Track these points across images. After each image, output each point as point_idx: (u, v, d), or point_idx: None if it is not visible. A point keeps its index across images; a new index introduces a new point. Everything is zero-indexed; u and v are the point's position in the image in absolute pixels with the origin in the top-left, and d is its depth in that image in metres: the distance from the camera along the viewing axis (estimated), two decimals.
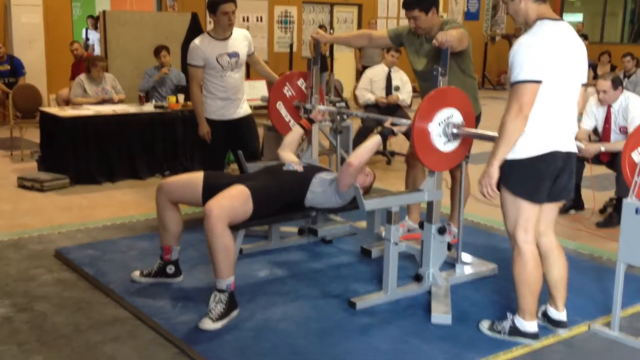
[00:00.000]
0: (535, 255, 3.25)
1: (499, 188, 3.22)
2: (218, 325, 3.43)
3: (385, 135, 3.91)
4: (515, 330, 3.35)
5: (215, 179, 3.90)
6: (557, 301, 3.47)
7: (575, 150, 3.25)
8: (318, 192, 3.92)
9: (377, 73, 7.91)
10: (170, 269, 4.00)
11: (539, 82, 3.01)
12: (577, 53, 3.17)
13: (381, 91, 7.80)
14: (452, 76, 3.94)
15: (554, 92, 3.08)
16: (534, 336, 3.34)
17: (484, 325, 3.45)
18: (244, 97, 5.19)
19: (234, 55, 4.98)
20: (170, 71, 7.98)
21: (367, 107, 7.79)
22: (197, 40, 4.98)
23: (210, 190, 3.71)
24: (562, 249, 3.44)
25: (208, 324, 3.41)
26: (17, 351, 3.20)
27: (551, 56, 3.03)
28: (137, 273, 4.05)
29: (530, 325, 3.33)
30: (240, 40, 5.05)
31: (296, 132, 4.58)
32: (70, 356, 3.17)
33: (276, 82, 4.94)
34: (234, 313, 3.54)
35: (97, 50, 11.82)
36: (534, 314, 3.35)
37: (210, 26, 11.99)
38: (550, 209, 3.36)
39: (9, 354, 3.17)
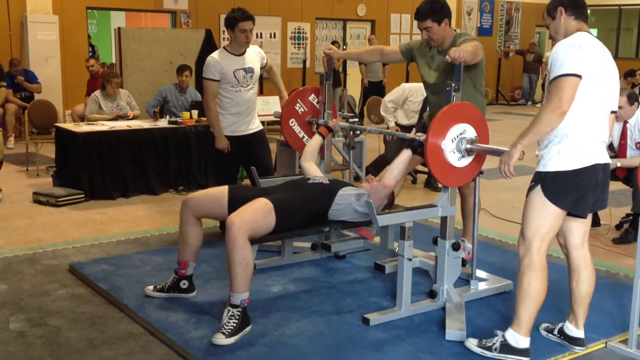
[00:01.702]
0: (545, 267, 3.22)
1: (527, 194, 3.24)
2: (231, 340, 3.42)
3: (415, 147, 3.88)
4: (507, 347, 3.25)
5: (241, 192, 3.90)
6: (579, 318, 3.43)
7: (609, 161, 3.27)
8: (343, 204, 3.90)
9: (415, 93, 7.06)
10: (184, 284, 4.01)
11: (579, 76, 3.02)
12: (611, 74, 3.22)
13: (412, 115, 7.07)
14: (463, 91, 3.94)
15: (591, 98, 3.10)
16: (525, 353, 3.25)
17: (472, 343, 3.36)
18: (255, 114, 5.21)
19: (250, 70, 5.02)
20: (187, 91, 8.02)
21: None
22: (215, 55, 5.01)
23: (236, 203, 3.71)
24: (593, 265, 3.42)
25: (221, 340, 3.40)
26: None
27: (591, 58, 3.07)
28: (150, 288, 4.05)
29: (524, 341, 3.25)
30: (254, 56, 5.10)
31: (315, 140, 4.58)
32: None
33: (288, 100, 4.94)
34: (247, 329, 3.53)
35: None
36: (530, 330, 3.26)
37: (224, 43, 12.10)
38: (584, 222, 3.35)
39: None
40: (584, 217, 3.29)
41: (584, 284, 3.38)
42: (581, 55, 3.04)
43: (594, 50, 3.12)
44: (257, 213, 3.57)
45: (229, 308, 3.50)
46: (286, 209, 3.70)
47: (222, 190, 3.90)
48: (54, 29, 10.66)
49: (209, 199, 3.90)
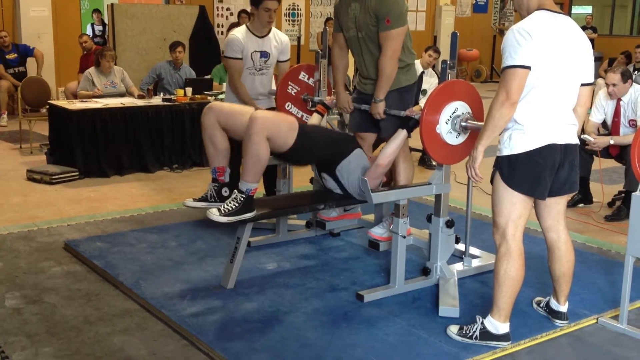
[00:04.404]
0: (522, 253, 3.20)
1: (492, 182, 3.22)
2: (223, 219, 3.53)
3: (412, 128, 3.89)
4: (486, 334, 3.24)
5: None
6: (559, 295, 3.46)
7: (574, 142, 3.20)
8: (354, 164, 3.93)
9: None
10: (226, 192, 3.95)
11: (527, 67, 2.97)
12: (578, 49, 3.12)
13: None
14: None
15: (546, 84, 3.04)
16: (505, 338, 3.25)
17: (453, 331, 3.34)
18: (267, 96, 4.98)
19: (265, 55, 4.82)
20: (181, 68, 7.97)
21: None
22: (237, 33, 4.76)
23: None
24: (571, 245, 3.41)
25: (214, 215, 3.54)
26: (27, 342, 3.23)
27: (542, 44, 2.99)
28: (190, 200, 4.00)
29: (503, 327, 3.24)
30: (275, 42, 4.86)
31: (315, 119, 4.57)
32: (79, 347, 3.19)
33: (280, 85, 4.84)
34: (247, 215, 3.64)
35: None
36: (509, 315, 3.25)
37: (218, 20, 12.03)
38: (556, 203, 3.32)
39: (19, 345, 3.20)
40: (543, 199, 3.23)
41: (557, 264, 3.40)
42: (530, 44, 2.96)
43: (547, 33, 3.01)
44: (282, 121, 3.70)
45: (235, 191, 3.62)
46: (308, 137, 3.80)
47: (248, 110, 3.89)
48: (46, 5, 10.55)
49: (236, 111, 3.90)
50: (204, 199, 3.94)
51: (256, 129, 3.54)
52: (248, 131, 3.55)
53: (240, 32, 4.79)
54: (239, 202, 3.59)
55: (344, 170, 3.94)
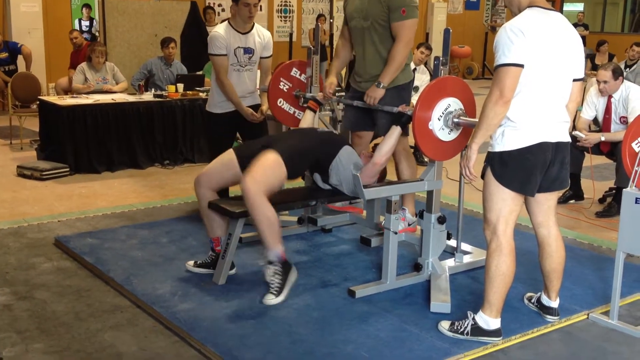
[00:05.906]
0: (513, 249, 3.20)
1: (483, 177, 3.23)
2: (282, 297, 3.55)
3: (405, 124, 3.89)
4: (477, 330, 3.25)
5: (247, 149, 3.93)
6: (550, 291, 3.47)
7: (566, 140, 3.21)
8: (342, 164, 3.93)
9: (418, 69, 7.13)
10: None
11: (520, 66, 2.97)
12: (569, 45, 3.13)
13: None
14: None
15: (539, 81, 3.04)
16: (496, 333, 3.25)
17: (444, 326, 3.34)
18: (252, 92, 4.98)
19: (249, 51, 4.81)
20: (173, 64, 7.93)
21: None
22: (219, 29, 4.77)
23: (247, 161, 3.75)
24: (562, 241, 3.42)
25: (272, 300, 3.54)
26: (17, 339, 3.21)
27: (535, 42, 2.98)
28: (191, 263, 4.05)
29: (494, 322, 3.24)
30: (258, 38, 4.87)
31: (308, 116, 4.56)
32: (70, 344, 3.18)
33: (271, 81, 4.82)
34: (292, 277, 3.63)
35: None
36: (500, 311, 3.25)
37: (208, 16, 11.98)
38: (547, 199, 3.33)
39: (9, 342, 3.18)
40: (532, 196, 3.24)
41: (547, 260, 3.41)
42: (523, 42, 2.95)
43: (540, 31, 3.01)
44: (268, 170, 3.65)
45: (268, 266, 3.59)
46: (294, 156, 3.77)
47: (229, 156, 3.92)
48: (37, 1, 10.49)
49: (220, 168, 3.91)
50: (202, 265, 4.03)
51: (253, 196, 3.51)
52: (246, 202, 3.53)
53: (222, 28, 4.79)
54: (280, 272, 3.58)
55: (336, 170, 3.93)
